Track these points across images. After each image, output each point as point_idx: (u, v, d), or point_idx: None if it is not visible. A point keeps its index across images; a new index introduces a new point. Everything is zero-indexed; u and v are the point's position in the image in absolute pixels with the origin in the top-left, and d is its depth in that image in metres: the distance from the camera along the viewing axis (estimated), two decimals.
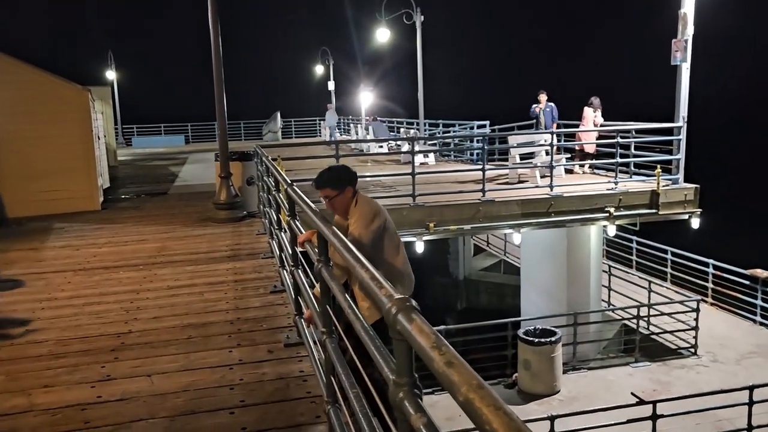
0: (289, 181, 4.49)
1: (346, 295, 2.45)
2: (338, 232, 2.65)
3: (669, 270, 16.06)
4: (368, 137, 22.77)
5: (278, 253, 5.91)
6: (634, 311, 13.29)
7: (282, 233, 5.40)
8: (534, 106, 14.94)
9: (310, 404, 3.53)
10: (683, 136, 12.01)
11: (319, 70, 35.03)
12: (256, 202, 10.07)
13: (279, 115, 33.82)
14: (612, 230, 12.63)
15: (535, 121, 15.05)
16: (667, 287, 15.28)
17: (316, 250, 3.06)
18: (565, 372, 11.61)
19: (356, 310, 2.22)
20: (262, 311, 5.22)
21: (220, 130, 9.46)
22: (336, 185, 3.97)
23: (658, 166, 11.92)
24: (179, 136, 34.51)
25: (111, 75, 32.93)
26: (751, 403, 8.56)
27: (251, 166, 10.43)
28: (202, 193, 12.68)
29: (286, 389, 3.74)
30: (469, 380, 1.16)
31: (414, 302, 1.63)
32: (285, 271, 5.45)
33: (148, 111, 40.59)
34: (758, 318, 13.51)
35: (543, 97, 14.89)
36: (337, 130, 29.36)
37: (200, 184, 14.51)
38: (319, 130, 34.27)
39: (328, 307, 2.96)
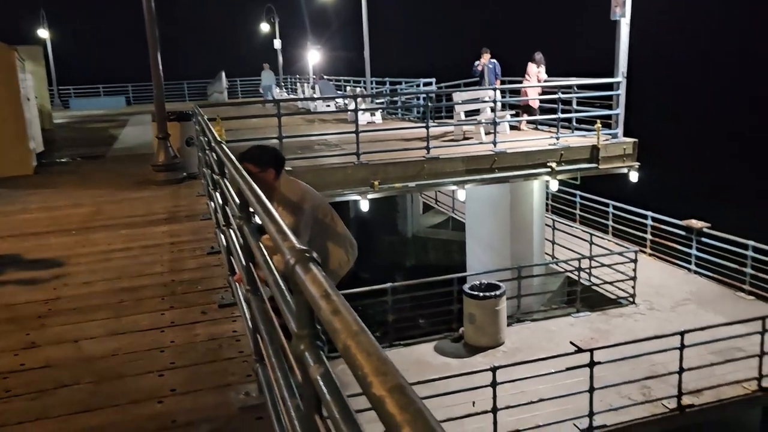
0: (218, 139, 4.38)
1: (264, 250, 2.41)
2: (255, 186, 2.60)
3: (610, 223, 16.55)
4: (315, 96, 22.45)
5: (214, 213, 5.81)
6: (576, 263, 13.69)
7: (216, 193, 5.30)
8: (476, 63, 14.94)
9: (242, 363, 3.51)
10: (623, 91, 12.22)
11: (264, 28, 34.14)
12: (196, 162, 9.84)
13: (224, 75, 32.93)
14: (554, 185, 12.88)
15: (479, 78, 15.07)
16: (608, 240, 15.75)
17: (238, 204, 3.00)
18: (509, 324, 11.92)
19: (271, 264, 2.20)
20: (198, 273, 5.14)
21: (156, 89, 9.15)
22: (258, 163, 4.04)
23: (598, 121, 12.14)
24: (120, 97, 33.31)
25: (44, 34, 31.35)
26: (682, 348, 8.96)
27: (190, 126, 10.15)
28: (142, 155, 12.30)
29: (218, 350, 3.71)
30: (350, 327, 1.15)
31: (315, 254, 1.61)
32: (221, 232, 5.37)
33: (87, 72, 39.04)
34: (692, 267, 14.09)
35: (486, 54, 14.89)
36: (277, 89, 28.83)
37: (140, 145, 14.09)
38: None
39: (251, 264, 2.92)
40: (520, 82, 14.36)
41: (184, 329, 4.00)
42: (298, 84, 31.01)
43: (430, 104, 12.72)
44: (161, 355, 3.65)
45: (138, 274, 5.15)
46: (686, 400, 9.08)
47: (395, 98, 19.85)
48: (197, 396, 3.19)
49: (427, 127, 11.46)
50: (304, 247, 1.64)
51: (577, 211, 17.98)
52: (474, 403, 8.45)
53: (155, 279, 5.01)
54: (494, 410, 8.24)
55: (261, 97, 30.22)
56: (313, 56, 31.69)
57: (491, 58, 14.93)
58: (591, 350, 8.61)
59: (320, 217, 4.18)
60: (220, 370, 3.45)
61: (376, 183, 10.86)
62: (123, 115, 24.28)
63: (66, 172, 10.90)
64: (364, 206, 11.21)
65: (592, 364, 8.51)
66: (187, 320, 4.14)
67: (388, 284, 11.46)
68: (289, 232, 1.87)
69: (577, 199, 17.90)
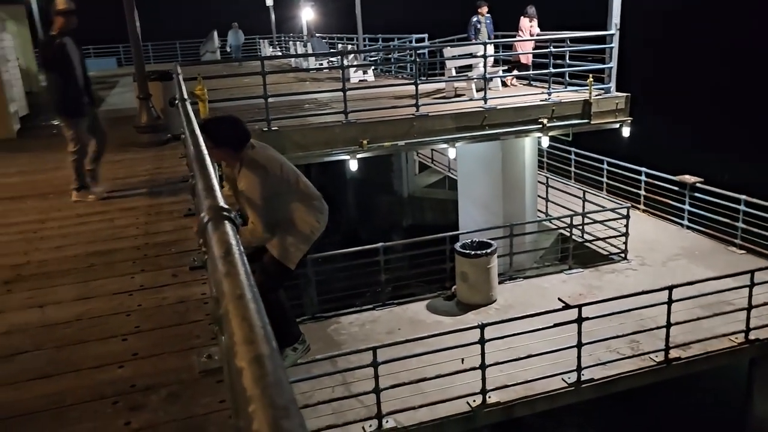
0: (185, 96, 4.26)
1: None
2: (203, 147, 2.50)
3: (605, 179, 16.45)
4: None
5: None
6: (569, 220, 13.61)
7: None
8: (474, 18, 14.54)
9: (208, 326, 3.45)
10: (615, 44, 11.96)
11: None
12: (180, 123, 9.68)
13: (216, 34, 32.32)
14: (545, 141, 12.72)
15: (474, 34, 14.65)
16: (602, 196, 15.67)
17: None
18: (501, 282, 11.92)
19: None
20: (173, 235, 5.05)
21: (135, 48, 8.94)
22: (214, 138, 3.89)
23: (590, 75, 11.91)
24: (111, 58, 32.75)
25: None
26: (670, 302, 8.96)
27: (173, 86, 9.95)
28: (128, 117, 12.09)
29: (185, 312, 3.65)
30: (234, 290, 1.07)
31: (233, 214, 1.52)
32: None
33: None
34: (685, 222, 14.03)
35: (484, 9, 14.49)
36: (270, 47, 28.31)
37: (128, 108, 13.86)
38: (260, 49, 32.95)
39: None
40: (513, 37, 14.05)
41: (153, 292, 3.94)
42: (291, 42, 30.50)
43: (418, 60, 12.45)
44: (127, 319, 3.59)
45: (111, 238, 5.07)
46: (674, 353, 9.12)
47: (388, 55, 19.46)
48: (159, 360, 3.15)
49: (416, 84, 11.26)
50: (224, 206, 1.56)
51: (572, 168, 17.86)
52: (463, 360, 8.49)
53: (129, 242, 4.94)
54: (482, 366, 8.27)
55: (258, 55, 29.81)
56: (307, 13, 31.10)
57: (488, 12, 14.55)
58: (579, 306, 8.59)
59: (288, 184, 4.12)
60: (185, 333, 3.40)
61: (365, 142, 10.71)
62: (113, 77, 23.93)
63: (50, 135, 10.72)
64: (353, 166, 11.09)
65: (580, 320, 8.51)
66: (156, 283, 4.08)
67: (380, 244, 11.42)
68: (217, 191, 1.78)
69: (572, 156, 17.76)
